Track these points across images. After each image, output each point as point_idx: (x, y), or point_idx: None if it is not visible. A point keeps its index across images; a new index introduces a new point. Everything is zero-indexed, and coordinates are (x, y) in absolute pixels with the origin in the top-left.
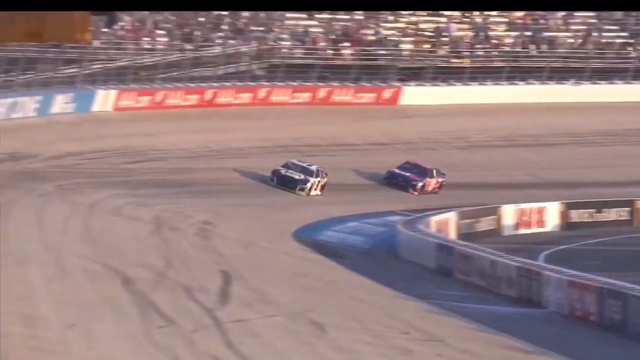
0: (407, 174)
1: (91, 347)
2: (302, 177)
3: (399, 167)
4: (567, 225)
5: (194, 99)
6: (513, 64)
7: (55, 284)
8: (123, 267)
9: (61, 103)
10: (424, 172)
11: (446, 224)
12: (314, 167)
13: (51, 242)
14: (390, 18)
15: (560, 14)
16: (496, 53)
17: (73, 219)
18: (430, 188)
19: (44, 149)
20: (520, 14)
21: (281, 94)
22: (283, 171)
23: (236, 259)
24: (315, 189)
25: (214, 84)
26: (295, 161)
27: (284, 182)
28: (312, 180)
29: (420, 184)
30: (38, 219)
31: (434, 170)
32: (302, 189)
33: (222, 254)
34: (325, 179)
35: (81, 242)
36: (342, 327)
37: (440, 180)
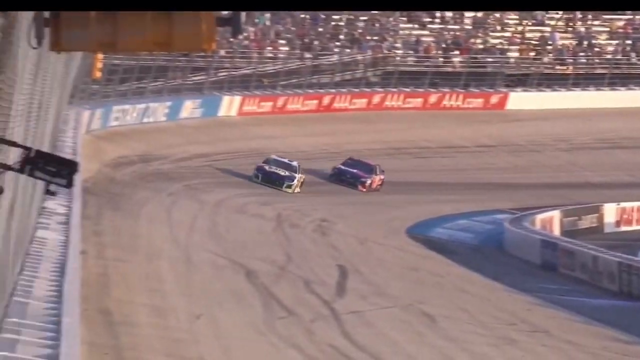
0: (355, 171)
1: (217, 336)
2: (288, 173)
3: (344, 164)
4: None
5: (312, 104)
6: (614, 71)
7: (183, 277)
8: (247, 261)
9: (189, 108)
10: (370, 169)
11: (550, 221)
12: (295, 163)
13: (180, 238)
14: (498, 27)
15: None
16: (598, 60)
17: (200, 217)
18: (375, 185)
19: (173, 151)
20: (621, 23)
21: (394, 100)
22: (267, 167)
23: (352, 254)
24: (297, 186)
25: (331, 90)
26: (275, 157)
27: (269, 179)
28: (297, 176)
29: (368, 181)
30: (168, 217)
31: (377, 167)
32: (289, 186)
33: (338, 249)
34: (304, 176)
35: (208, 238)
36: (452, 318)
37: (382, 177)
